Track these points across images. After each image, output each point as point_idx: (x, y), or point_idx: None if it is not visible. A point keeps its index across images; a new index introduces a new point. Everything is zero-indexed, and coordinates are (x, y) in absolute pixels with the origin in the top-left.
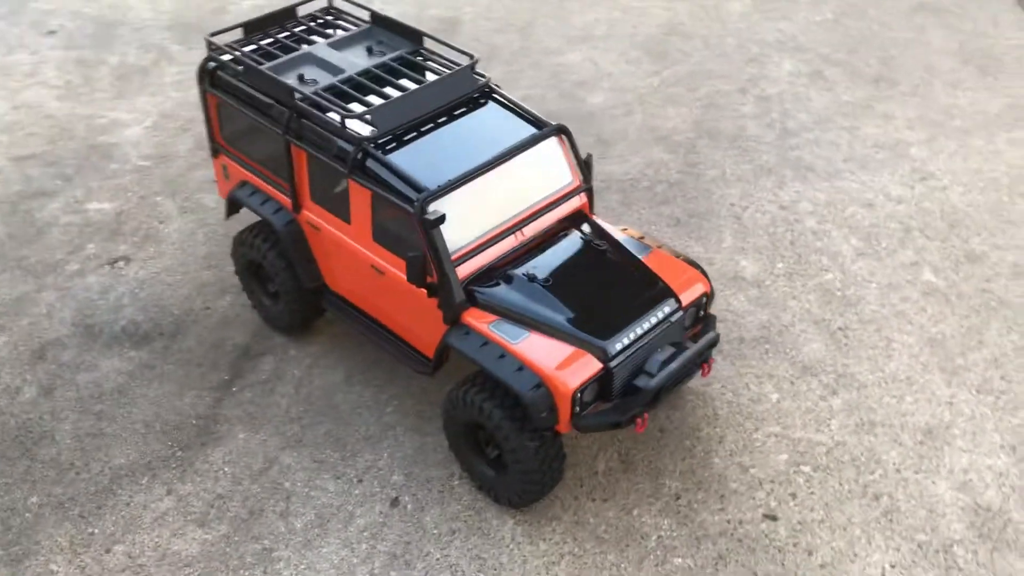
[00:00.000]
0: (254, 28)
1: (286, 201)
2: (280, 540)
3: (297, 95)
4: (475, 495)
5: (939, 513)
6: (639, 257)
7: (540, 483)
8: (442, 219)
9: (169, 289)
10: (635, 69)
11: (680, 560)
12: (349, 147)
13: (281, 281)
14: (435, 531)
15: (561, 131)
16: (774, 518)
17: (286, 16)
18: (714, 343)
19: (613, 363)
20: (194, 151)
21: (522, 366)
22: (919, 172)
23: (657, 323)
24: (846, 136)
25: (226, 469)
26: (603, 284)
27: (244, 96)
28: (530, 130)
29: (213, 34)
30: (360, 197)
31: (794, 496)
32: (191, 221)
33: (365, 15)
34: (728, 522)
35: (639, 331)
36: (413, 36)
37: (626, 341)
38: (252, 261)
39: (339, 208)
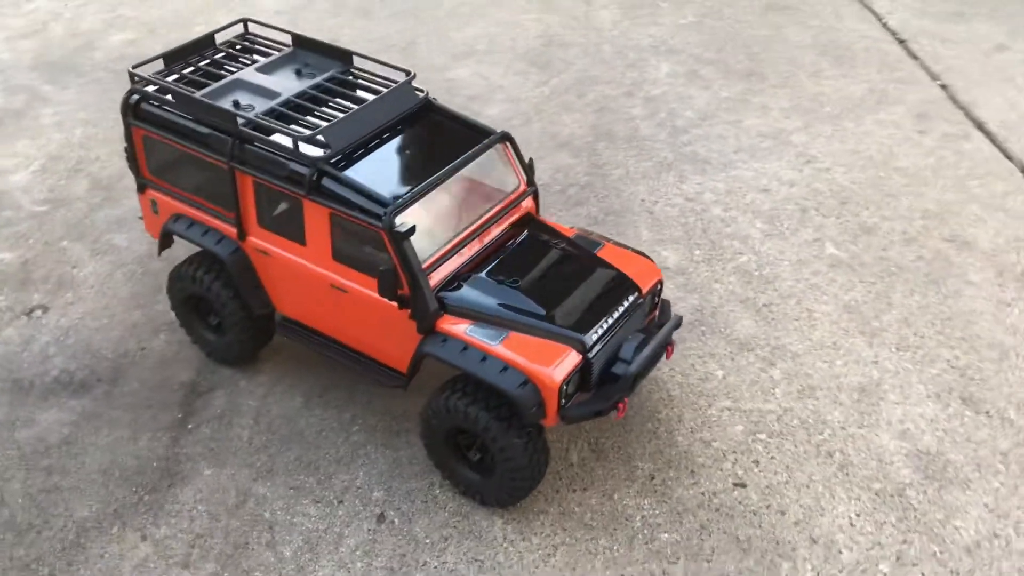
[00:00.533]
0: (174, 58)
1: (228, 230)
2: (272, 570)
3: (240, 120)
4: (460, 501)
5: (887, 462)
6: (593, 252)
7: (529, 479)
8: (412, 230)
9: (98, 333)
10: (524, 80)
11: (667, 536)
12: (304, 169)
13: (229, 312)
14: (427, 540)
15: (505, 138)
16: (743, 485)
17: (205, 44)
18: (677, 326)
19: (591, 354)
20: (92, 192)
21: (506, 366)
22: (803, 156)
23: (624, 312)
24: (732, 129)
25: (200, 507)
26: (569, 280)
27: (175, 127)
28: (476, 139)
29: (135, 66)
30: (317, 217)
31: (757, 463)
32: (106, 263)
33: (285, 38)
34: (703, 494)
35: (610, 321)
36: (342, 56)
37: (600, 332)
38: (192, 295)
39: (292, 231)
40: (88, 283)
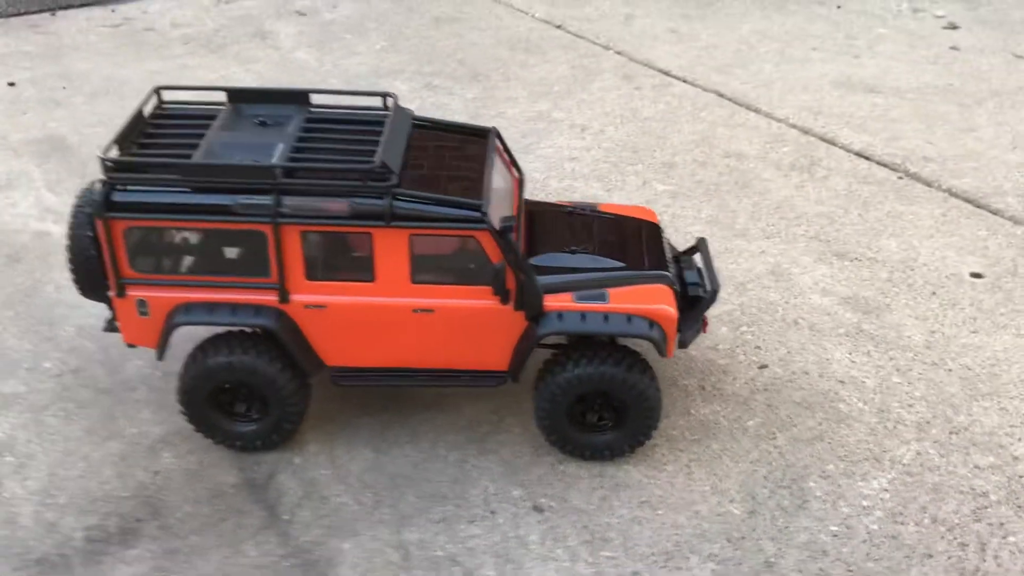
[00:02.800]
0: (123, 140)
1: (263, 298)
2: None
3: (278, 171)
4: (587, 466)
5: (833, 313)
6: (600, 211)
7: (659, 414)
8: (512, 221)
9: (87, 479)
10: None
11: (752, 422)
12: (374, 200)
13: (280, 386)
14: (591, 507)
15: (496, 134)
16: (765, 366)
17: (141, 122)
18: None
19: (676, 287)
20: None
21: (629, 316)
22: (576, 127)
23: (667, 246)
24: (504, 121)
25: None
26: (615, 234)
27: (175, 207)
28: (478, 138)
29: (105, 152)
30: (392, 245)
31: (758, 348)
32: (25, 405)
33: (215, 96)
34: (746, 384)
35: (668, 256)
36: (297, 97)
37: (671, 268)
38: (219, 388)
39: (355, 271)
40: (21, 437)
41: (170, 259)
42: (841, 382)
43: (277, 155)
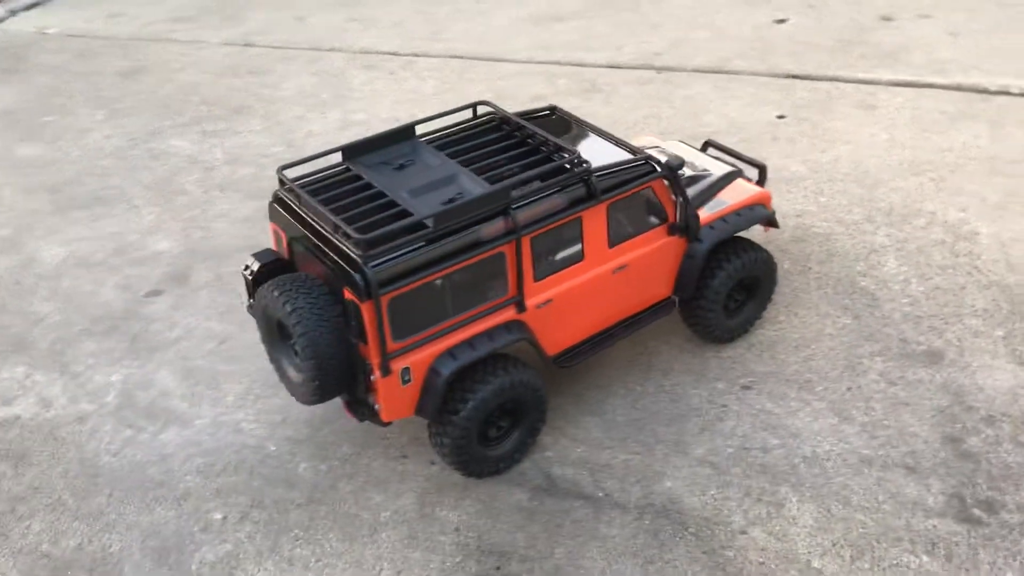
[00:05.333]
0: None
1: (504, 316)
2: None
3: (511, 187)
4: (737, 349)
5: None
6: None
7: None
8: (679, 160)
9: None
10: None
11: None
12: (578, 189)
13: (539, 388)
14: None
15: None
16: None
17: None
18: None
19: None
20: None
21: (752, 206)
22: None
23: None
24: (320, 120)
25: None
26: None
27: (427, 261)
28: (552, 117)
29: (361, 235)
30: (595, 220)
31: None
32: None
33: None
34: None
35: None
36: (406, 133)
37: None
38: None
39: (569, 257)
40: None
41: (419, 318)
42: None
43: (468, 183)
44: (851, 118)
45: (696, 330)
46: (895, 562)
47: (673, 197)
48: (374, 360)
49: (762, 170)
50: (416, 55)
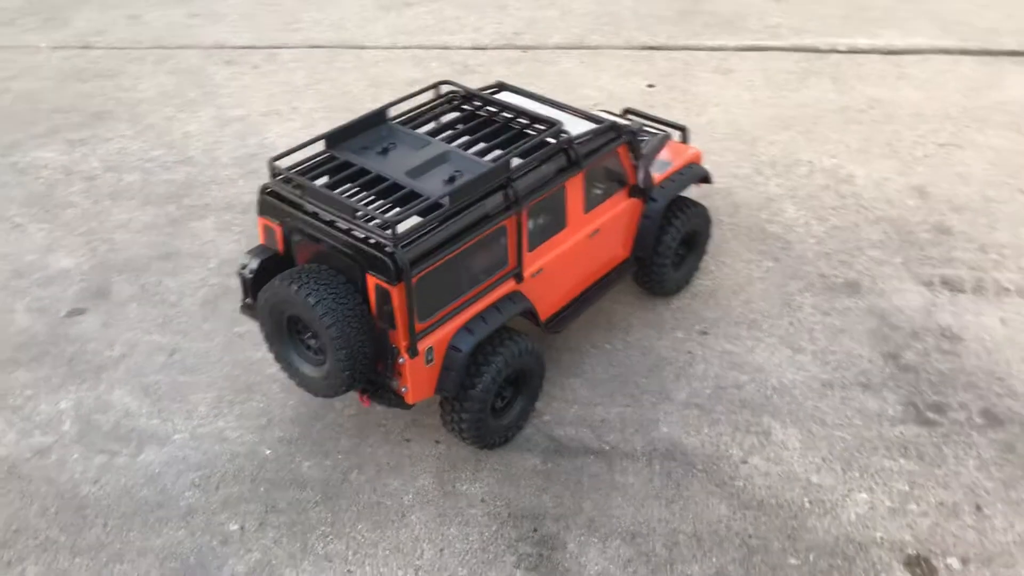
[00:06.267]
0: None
1: (505, 288)
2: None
3: (511, 160)
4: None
5: None
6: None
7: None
8: (636, 125)
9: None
10: None
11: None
12: (568, 159)
13: (535, 360)
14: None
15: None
16: None
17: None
18: None
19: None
20: None
21: (690, 165)
22: (275, 112)
23: None
24: (256, 138)
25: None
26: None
27: (448, 238)
28: (499, 91)
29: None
30: (575, 187)
31: None
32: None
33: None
34: None
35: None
36: (379, 116)
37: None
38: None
39: (554, 225)
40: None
41: (439, 297)
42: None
43: (461, 160)
44: (713, 83)
45: (648, 286)
46: (880, 468)
47: (633, 160)
48: (402, 343)
49: (684, 131)
50: (275, 47)
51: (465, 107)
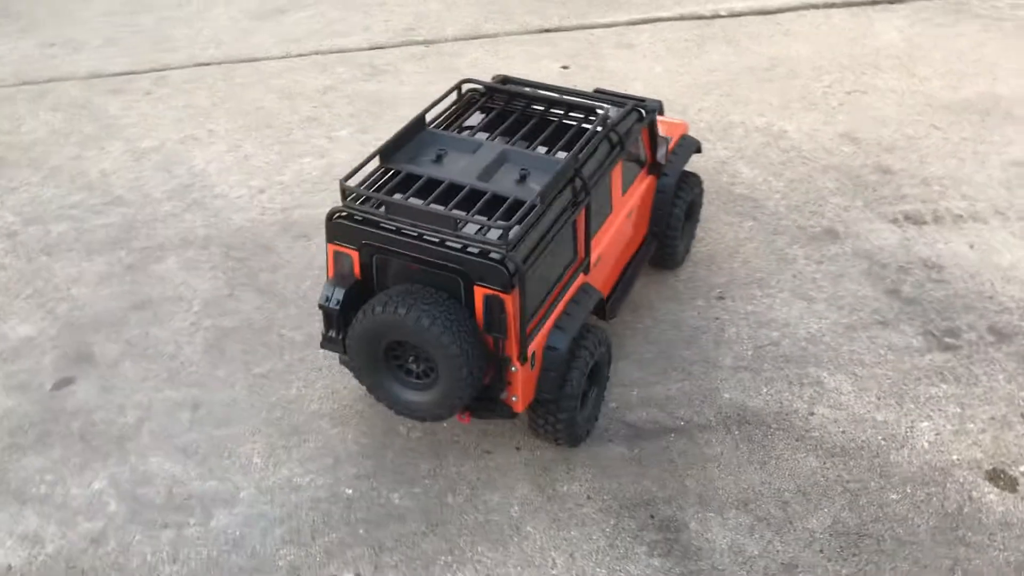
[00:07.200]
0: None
1: (578, 281)
2: None
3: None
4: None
5: None
6: None
7: None
8: (656, 104)
9: None
10: None
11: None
12: (610, 144)
13: (606, 354)
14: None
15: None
16: None
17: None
18: None
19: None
20: None
21: (684, 137)
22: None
23: None
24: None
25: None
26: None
27: (544, 235)
28: (507, 85)
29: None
30: (616, 171)
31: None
32: None
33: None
34: None
35: None
36: (419, 125)
37: None
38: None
39: (604, 210)
40: None
41: (536, 299)
42: None
43: (523, 157)
44: (621, 58)
45: (660, 261)
46: (928, 396)
47: (650, 138)
48: (514, 351)
49: (660, 106)
50: (159, 70)
51: (492, 104)
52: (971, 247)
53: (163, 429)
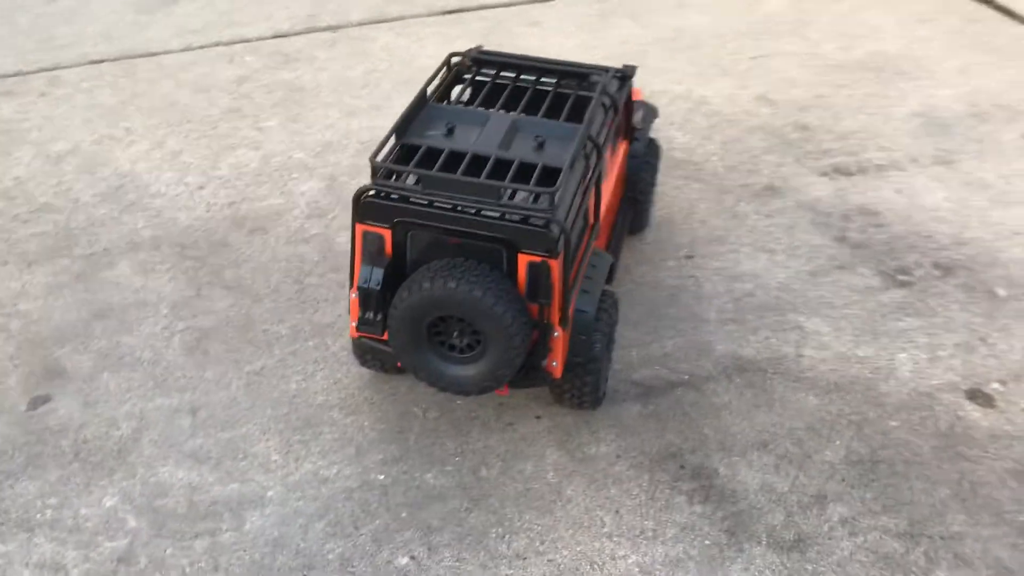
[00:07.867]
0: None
1: (591, 250)
2: None
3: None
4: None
5: None
6: None
7: None
8: (631, 70)
9: None
10: None
11: None
12: (604, 108)
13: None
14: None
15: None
16: None
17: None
18: None
19: None
20: None
21: (643, 102)
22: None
23: None
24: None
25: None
26: None
27: (573, 198)
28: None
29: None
30: (609, 133)
31: None
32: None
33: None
34: None
35: None
36: (421, 103)
37: None
38: None
39: (603, 175)
40: None
41: (568, 266)
42: None
43: (536, 124)
44: (533, 35)
45: (631, 225)
46: (897, 330)
47: (627, 103)
48: (556, 316)
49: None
50: (50, 69)
51: (480, 76)
52: (898, 192)
53: (165, 438)
